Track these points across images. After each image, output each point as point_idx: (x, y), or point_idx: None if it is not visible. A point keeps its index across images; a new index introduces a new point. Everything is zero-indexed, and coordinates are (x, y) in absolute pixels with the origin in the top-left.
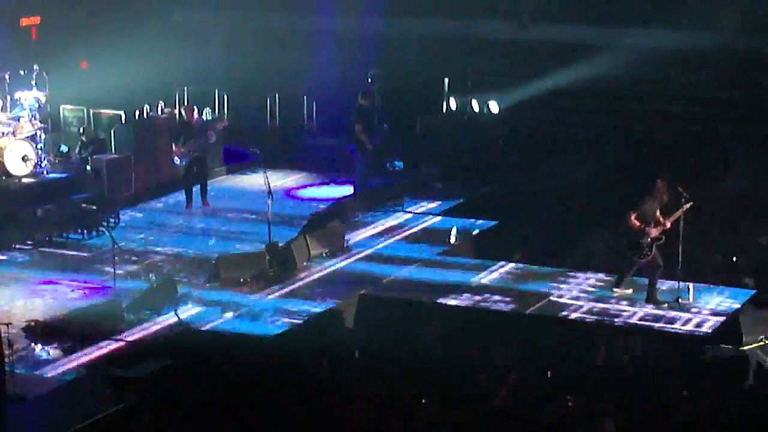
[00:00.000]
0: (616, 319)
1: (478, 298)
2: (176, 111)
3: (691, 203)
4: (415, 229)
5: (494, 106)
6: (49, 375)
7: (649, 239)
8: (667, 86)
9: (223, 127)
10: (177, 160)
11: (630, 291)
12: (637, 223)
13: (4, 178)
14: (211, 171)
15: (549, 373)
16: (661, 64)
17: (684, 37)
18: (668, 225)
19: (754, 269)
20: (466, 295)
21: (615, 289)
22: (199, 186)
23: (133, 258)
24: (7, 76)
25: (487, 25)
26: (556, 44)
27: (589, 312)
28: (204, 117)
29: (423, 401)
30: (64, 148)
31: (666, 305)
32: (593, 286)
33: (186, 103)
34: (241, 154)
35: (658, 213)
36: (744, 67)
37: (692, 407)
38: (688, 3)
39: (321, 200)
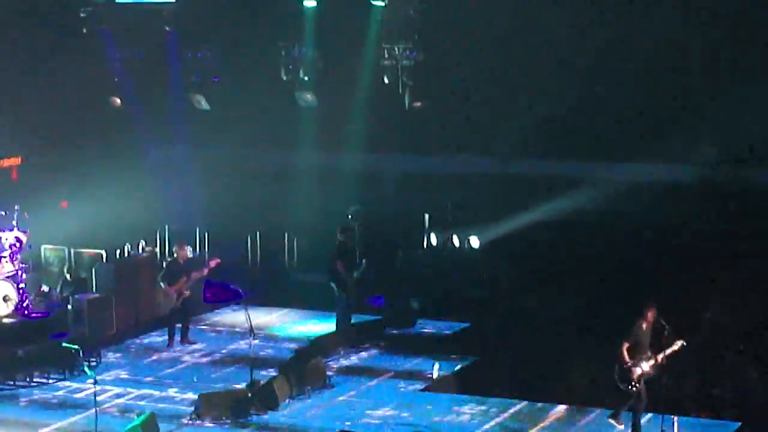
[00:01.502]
0: None
1: None
2: (157, 249)
3: (684, 342)
4: (396, 366)
5: (475, 241)
6: None
7: (640, 372)
8: (648, 218)
9: (217, 265)
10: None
11: (621, 427)
12: (627, 358)
13: None
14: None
15: None
16: (641, 197)
17: (663, 170)
18: (659, 360)
19: (737, 402)
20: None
21: (611, 420)
22: (180, 325)
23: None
24: None
25: (466, 160)
26: (536, 178)
27: None
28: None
29: None
30: (45, 288)
31: None
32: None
33: (168, 241)
34: (224, 290)
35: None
36: (724, 198)
37: None
38: (666, 137)
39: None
